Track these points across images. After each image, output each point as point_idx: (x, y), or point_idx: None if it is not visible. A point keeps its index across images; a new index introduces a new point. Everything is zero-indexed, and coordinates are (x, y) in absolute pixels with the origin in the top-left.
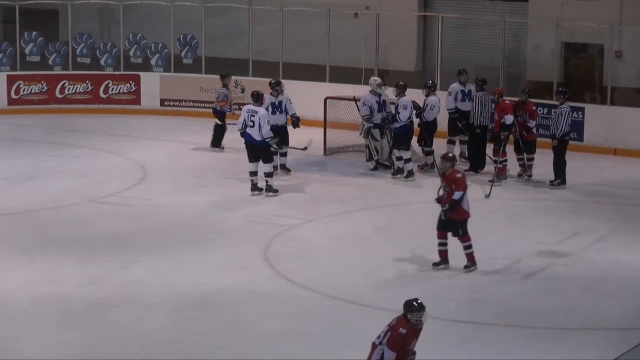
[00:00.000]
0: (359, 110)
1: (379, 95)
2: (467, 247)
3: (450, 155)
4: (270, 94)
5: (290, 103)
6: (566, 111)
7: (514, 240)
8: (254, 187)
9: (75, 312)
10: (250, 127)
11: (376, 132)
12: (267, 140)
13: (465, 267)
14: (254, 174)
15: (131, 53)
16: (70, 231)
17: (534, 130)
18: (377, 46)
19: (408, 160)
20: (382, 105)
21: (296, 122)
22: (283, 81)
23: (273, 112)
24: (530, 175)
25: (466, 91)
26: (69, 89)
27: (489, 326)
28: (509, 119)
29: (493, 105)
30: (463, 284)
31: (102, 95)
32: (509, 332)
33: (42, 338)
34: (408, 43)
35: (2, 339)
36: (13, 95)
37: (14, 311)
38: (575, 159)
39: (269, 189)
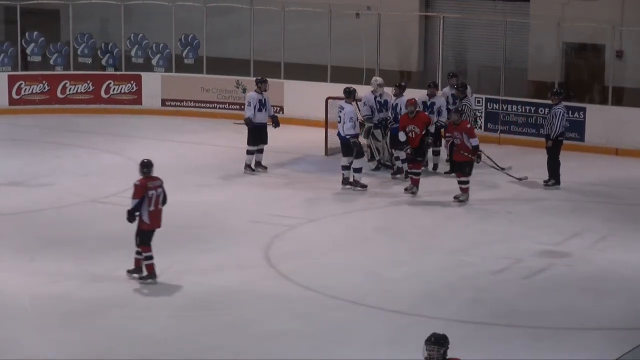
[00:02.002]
0: (359, 110)
1: (380, 95)
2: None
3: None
4: (256, 90)
5: (269, 103)
6: (560, 112)
7: (514, 241)
8: (344, 181)
9: (75, 312)
10: (338, 122)
11: (377, 133)
12: (347, 136)
13: (458, 198)
14: (345, 167)
15: (132, 53)
16: (70, 231)
17: (479, 148)
18: (378, 46)
19: (405, 160)
20: (383, 105)
21: (276, 121)
22: (284, 81)
23: (259, 110)
24: (462, 200)
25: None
26: (70, 89)
27: (489, 326)
28: (432, 128)
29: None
30: (463, 284)
31: (103, 95)
32: (509, 332)
33: (42, 338)
34: (409, 43)
35: (2, 339)
36: (14, 96)
37: (14, 311)
38: (576, 159)
39: (356, 184)
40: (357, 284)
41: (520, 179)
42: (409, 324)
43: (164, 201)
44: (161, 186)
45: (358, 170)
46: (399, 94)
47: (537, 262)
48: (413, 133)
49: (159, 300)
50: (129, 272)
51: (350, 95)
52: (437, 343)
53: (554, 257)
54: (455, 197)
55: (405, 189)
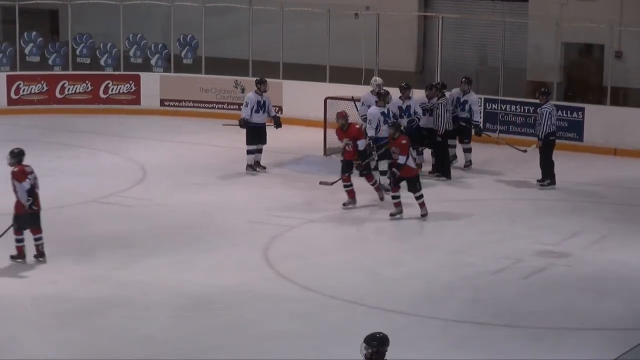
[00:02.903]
0: (357, 110)
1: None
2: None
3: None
4: (255, 92)
5: (271, 104)
6: (547, 111)
7: (514, 240)
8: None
9: (75, 312)
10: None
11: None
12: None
13: (422, 215)
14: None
15: (131, 53)
16: (70, 231)
17: (412, 165)
18: (377, 46)
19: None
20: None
21: (278, 122)
22: (283, 81)
23: (257, 111)
24: (424, 215)
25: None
26: (68, 89)
27: (489, 326)
28: (361, 144)
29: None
30: (463, 284)
31: (102, 95)
32: (509, 332)
33: (42, 338)
34: (408, 43)
35: (2, 339)
36: (13, 96)
37: (15, 311)
38: (575, 159)
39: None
40: (357, 284)
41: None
42: (409, 324)
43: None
44: (33, 172)
45: (382, 173)
46: (406, 95)
47: (536, 262)
48: (349, 146)
49: (159, 300)
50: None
51: (380, 97)
52: (367, 342)
53: (553, 257)
54: (391, 215)
55: (344, 204)
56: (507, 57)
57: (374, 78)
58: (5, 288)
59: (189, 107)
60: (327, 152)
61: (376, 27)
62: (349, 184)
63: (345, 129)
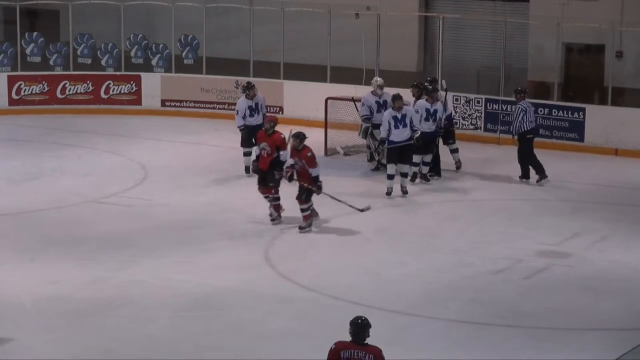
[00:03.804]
0: (357, 110)
1: (380, 96)
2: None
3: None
4: (246, 96)
5: (264, 103)
6: (520, 108)
7: (515, 241)
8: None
9: (76, 312)
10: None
11: (377, 133)
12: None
13: (300, 227)
14: (415, 164)
15: (132, 53)
16: (71, 231)
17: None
18: (378, 46)
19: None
20: (382, 105)
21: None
22: (284, 82)
23: (251, 115)
24: (304, 227)
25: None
26: (69, 89)
27: (489, 326)
28: (284, 155)
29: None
30: (463, 284)
31: (103, 95)
32: (509, 332)
33: (43, 338)
34: (409, 43)
35: (3, 339)
36: (14, 96)
37: (15, 311)
38: (576, 159)
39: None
40: (357, 284)
41: (362, 210)
42: (409, 324)
43: None
44: None
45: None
46: (435, 98)
47: (537, 263)
48: (265, 152)
49: (159, 300)
50: None
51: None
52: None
53: (554, 257)
54: (300, 228)
55: (272, 218)
56: (508, 57)
57: (374, 78)
58: (5, 288)
59: (189, 107)
60: (328, 152)
61: (377, 27)
62: (276, 195)
63: (269, 134)
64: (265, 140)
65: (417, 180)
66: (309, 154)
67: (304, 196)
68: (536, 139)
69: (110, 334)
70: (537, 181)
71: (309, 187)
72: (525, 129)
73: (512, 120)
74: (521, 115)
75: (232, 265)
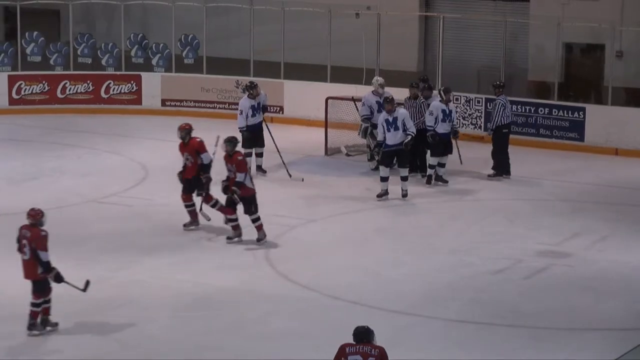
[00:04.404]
0: (357, 110)
1: (380, 96)
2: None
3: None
4: (248, 96)
5: (266, 100)
6: (500, 103)
7: (515, 241)
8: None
9: (75, 312)
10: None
11: (377, 133)
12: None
13: (258, 239)
14: (431, 167)
15: (132, 53)
16: (71, 231)
17: (250, 185)
18: (378, 46)
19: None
20: (382, 105)
21: (265, 110)
22: (284, 81)
23: (253, 115)
24: (261, 239)
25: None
26: (70, 89)
27: (489, 326)
28: (206, 157)
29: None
30: (463, 284)
31: (103, 95)
32: (510, 332)
33: (43, 338)
34: (409, 43)
35: (3, 339)
36: (14, 96)
37: (16, 311)
38: (576, 159)
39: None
40: (357, 284)
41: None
42: (409, 324)
43: None
44: None
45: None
46: (448, 99)
47: (537, 263)
48: (189, 162)
49: (159, 300)
50: None
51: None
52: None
53: (554, 257)
54: (228, 238)
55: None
56: (508, 57)
57: (375, 78)
58: (6, 288)
59: (190, 107)
60: (328, 152)
61: (377, 27)
62: (190, 203)
63: (186, 142)
64: (185, 150)
65: (433, 182)
66: (240, 158)
67: (252, 207)
68: (536, 139)
69: (111, 334)
70: (490, 175)
71: (232, 194)
72: (503, 123)
73: (492, 116)
74: (501, 110)
75: (232, 265)
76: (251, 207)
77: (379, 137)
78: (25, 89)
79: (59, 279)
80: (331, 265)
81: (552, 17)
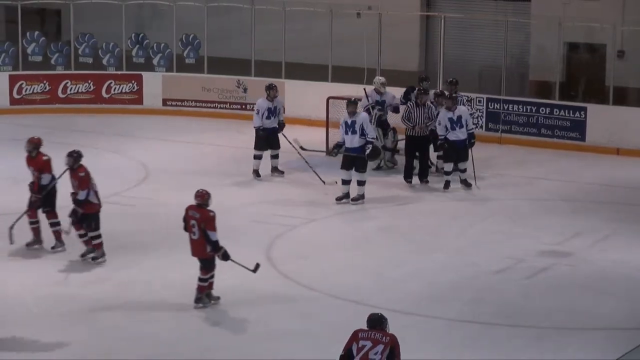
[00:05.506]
0: (367, 99)
1: (381, 95)
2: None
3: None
4: (266, 98)
5: (282, 109)
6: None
7: (516, 240)
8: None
9: (77, 312)
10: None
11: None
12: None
13: (93, 258)
14: (447, 173)
15: (133, 53)
16: (71, 231)
17: (95, 200)
18: (379, 46)
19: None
20: (382, 104)
21: (282, 126)
22: (285, 81)
23: (268, 117)
24: (96, 257)
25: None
26: (71, 88)
27: (491, 326)
28: (45, 178)
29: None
30: (465, 284)
31: (104, 95)
32: (511, 332)
33: (44, 338)
34: (410, 43)
35: (4, 339)
36: (15, 95)
37: (16, 311)
38: (578, 158)
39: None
40: (358, 284)
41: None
42: (411, 324)
43: None
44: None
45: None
46: (440, 103)
47: (538, 262)
48: (35, 177)
49: (159, 300)
50: None
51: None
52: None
53: (555, 257)
54: (88, 257)
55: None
56: (510, 57)
57: (376, 77)
58: (7, 288)
59: (191, 106)
60: (329, 151)
61: (378, 26)
62: (34, 220)
63: (32, 156)
64: (31, 164)
65: (450, 187)
66: (82, 174)
67: (93, 224)
68: (538, 138)
69: (111, 334)
70: (413, 179)
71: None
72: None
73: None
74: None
75: (232, 265)
76: (92, 224)
77: (340, 138)
78: (26, 88)
79: (226, 257)
80: (332, 265)
81: (553, 16)
